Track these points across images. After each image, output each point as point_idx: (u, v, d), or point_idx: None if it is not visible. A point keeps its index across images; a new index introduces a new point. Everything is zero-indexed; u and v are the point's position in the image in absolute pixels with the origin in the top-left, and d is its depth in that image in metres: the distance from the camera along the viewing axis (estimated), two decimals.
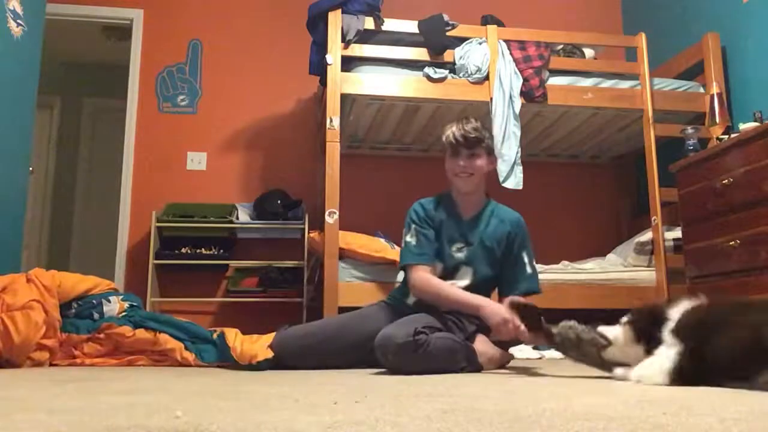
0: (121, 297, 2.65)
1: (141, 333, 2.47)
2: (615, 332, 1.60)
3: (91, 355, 2.46)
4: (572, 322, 1.71)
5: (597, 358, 1.64)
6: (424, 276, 2.15)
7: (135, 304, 2.67)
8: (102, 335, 2.47)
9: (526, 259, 2.25)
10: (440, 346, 1.95)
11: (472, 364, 2.02)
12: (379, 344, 1.92)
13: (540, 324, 1.83)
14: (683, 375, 1.40)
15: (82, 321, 2.52)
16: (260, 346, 2.27)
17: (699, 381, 1.39)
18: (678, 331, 1.45)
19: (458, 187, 2.28)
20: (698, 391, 1.30)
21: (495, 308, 1.99)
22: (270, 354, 2.20)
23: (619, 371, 1.57)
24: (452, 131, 2.24)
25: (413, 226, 2.22)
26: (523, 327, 1.89)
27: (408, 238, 2.22)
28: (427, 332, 1.94)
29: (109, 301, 2.58)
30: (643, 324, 1.55)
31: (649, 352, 1.51)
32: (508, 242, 2.25)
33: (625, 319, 1.62)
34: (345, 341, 2.20)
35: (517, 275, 2.24)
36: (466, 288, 2.18)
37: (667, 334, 1.46)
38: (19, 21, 3.05)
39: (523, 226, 2.30)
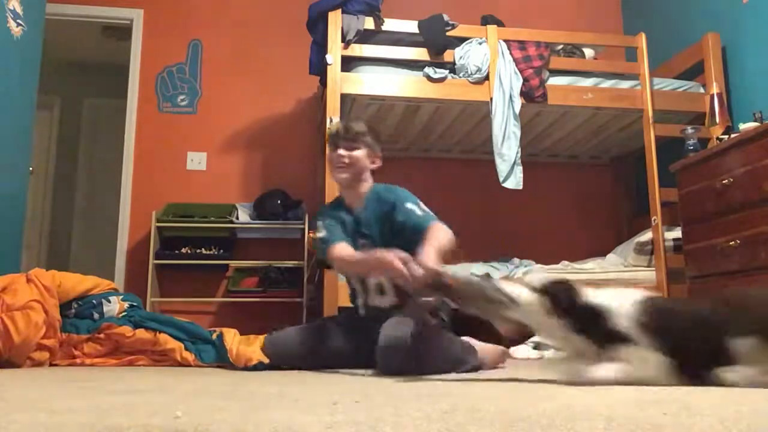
0: (121, 297, 2.65)
1: (141, 333, 2.47)
2: (523, 295, 1.50)
3: (91, 355, 2.46)
4: (475, 278, 1.60)
5: (497, 316, 1.55)
6: (338, 250, 2.15)
7: (135, 304, 2.67)
8: (102, 335, 2.47)
9: (409, 207, 2.17)
10: (437, 344, 1.97)
11: (470, 365, 2.02)
12: (380, 347, 1.91)
13: (440, 283, 1.72)
14: (675, 372, 1.38)
15: (82, 321, 2.52)
16: (256, 348, 2.29)
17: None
18: (647, 327, 1.40)
19: (337, 179, 2.31)
20: (698, 391, 1.29)
21: (386, 253, 1.92)
22: (264, 357, 2.22)
23: (594, 371, 1.45)
24: (335, 124, 2.30)
25: (319, 223, 2.27)
26: (417, 270, 1.80)
27: (319, 235, 2.25)
28: (423, 331, 1.95)
29: (109, 301, 2.58)
30: (564, 304, 1.46)
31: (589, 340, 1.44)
32: (389, 210, 2.21)
33: (536, 284, 1.52)
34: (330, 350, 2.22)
35: (413, 224, 2.15)
36: None
37: (631, 328, 1.40)
38: (19, 21, 3.05)
39: (393, 190, 2.27)
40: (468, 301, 1.60)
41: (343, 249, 2.15)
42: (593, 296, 1.47)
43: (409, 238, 2.09)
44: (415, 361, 1.88)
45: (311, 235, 3.55)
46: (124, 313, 2.56)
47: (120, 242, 4.01)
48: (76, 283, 2.59)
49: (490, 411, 0.97)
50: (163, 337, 2.47)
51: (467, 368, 2.00)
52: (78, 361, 2.44)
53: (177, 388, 1.42)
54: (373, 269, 2.06)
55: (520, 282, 1.55)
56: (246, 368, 2.22)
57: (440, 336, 2.02)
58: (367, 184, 2.31)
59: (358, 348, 2.12)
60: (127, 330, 2.46)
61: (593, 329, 1.44)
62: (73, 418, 0.90)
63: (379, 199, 2.26)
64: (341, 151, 2.25)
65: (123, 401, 1.12)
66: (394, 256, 1.87)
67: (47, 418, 0.91)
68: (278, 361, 2.22)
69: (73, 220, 5.55)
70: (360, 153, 2.26)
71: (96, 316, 2.52)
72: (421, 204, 2.20)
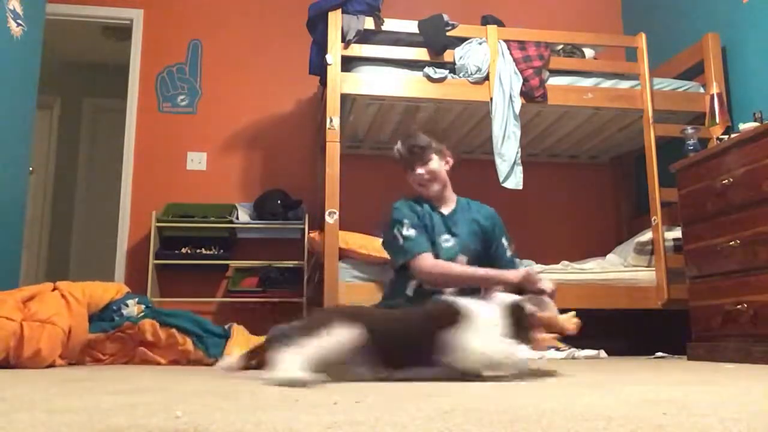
0: (136, 299, 2.73)
1: (164, 334, 2.57)
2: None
3: (114, 354, 2.54)
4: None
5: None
6: (431, 261, 2.21)
7: (149, 305, 2.74)
8: (123, 334, 2.56)
9: (506, 244, 2.38)
10: None
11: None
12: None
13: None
14: None
15: (102, 323, 2.61)
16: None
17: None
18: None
19: (425, 194, 2.38)
20: (698, 391, 1.30)
21: (512, 271, 2.16)
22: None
23: None
24: (398, 148, 2.37)
25: (405, 220, 2.27)
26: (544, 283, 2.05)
27: (405, 232, 2.24)
28: None
29: (127, 305, 2.68)
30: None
31: None
32: (487, 230, 2.37)
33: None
34: None
35: (501, 260, 2.34)
36: None
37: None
38: (19, 21, 3.05)
39: (497, 216, 2.44)
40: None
41: (439, 261, 2.22)
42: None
43: (483, 259, 2.29)
44: None
45: (311, 235, 3.55)
46: (142, 314, 2.65)
47: (120, 242, 4.01)
48: (102, 292, 2.68)
49: (490, 411, 0.97)
50: (182, 338, 2.56)
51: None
52: (106, 360, 2.53)
53: (177, 388, 1.42)
54: (490, 285, 2.14)
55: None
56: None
57: None
58: (450, 189, 2.42)
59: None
60: (148, 324, 2.55)
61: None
62: (73, 418, 0.90)
63: (470, 210, 2.40)
64: (419, 171, 2.33)
65: (123, 401, 1.12)
66: (528, 273, 2.09)
67: (47, 418, 0.91)
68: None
69: (73, 220, 5.55)
70: (435, 164, 2.34)
71: (116, 319, 2.62)
72: (512, 243, 2.41)
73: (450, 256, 2.25)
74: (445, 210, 2.37)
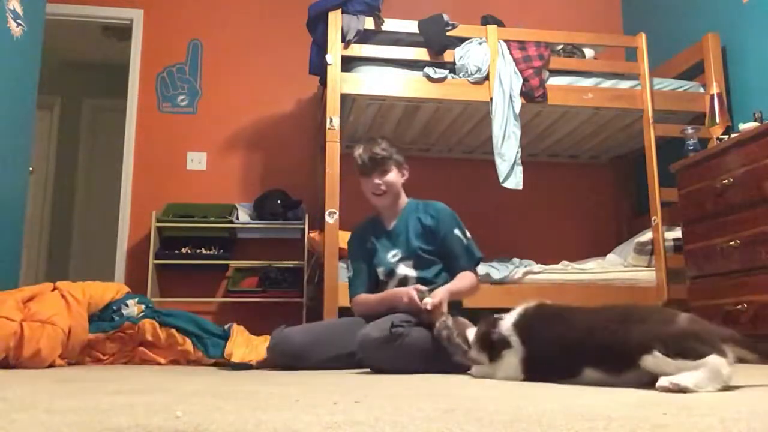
0: (136, 299, 2.73)
1: (163, 333, 2.57)
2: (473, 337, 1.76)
3: (114, 354, 2.55)
4: (450, 321, 1.88)
5: (465, 357, 1.80)
6: (359, 299, 2.40)
7: (149, 305, 2.73)
8: (123, 334, 2.56)
9: (459, 234, 2.36)
10: (418, 339, 2.00)
11: (455, 362, 2.02)
12: (359, 342, 2.01)
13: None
14: (530, 366, 1.55)
15: (102, 323, 2.61)
16: (250, 350, 2.36)
17: (542, 374, 1.52)
18: (517, 327, 1.60)
19: (376, 204, 2.46)
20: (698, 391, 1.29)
21: (399, 290, 2.22)
22: (240, 360, 2.33)
23: (475, 369, 1.75)
24: (359, 154, 2.41)
25: (350, 261, 2.47)
26: (426, 303, 2.06)
27: (348, 273, 2.47)
28: (405, 326, 1.96)
29: (127, 305, 2.68)
30: (485, 337, 1.69)
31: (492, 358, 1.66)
32: (432, 227, 2.38)
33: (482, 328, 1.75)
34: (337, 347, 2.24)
35: (455, 251, 2.35)
36: (418, 279, 2.32)
37: (508, 329, 1.61)
38: (19, 21, 3.05)
39: (442, 210, 2.42)
40: (442, 342, 1.86)
41: (361, 299, 2.37)
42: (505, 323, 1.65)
43: (440, 256, 2.34)
44: (393, 355, 1.95)
45: (311, 235, 3.56)
46: (142, 314, 2.65)
47: (120, 242, 4.01)
48: (102, 292, 2.67)
49: (490, 411, 0.97)
50: (182, 338, 2.57)
51: (446, 369, 1.97)
52: (106, 360, 2.53)
53: (177, 388, 1.42)
54: (391, 307, 2.20)
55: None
56: (231, 366, 2.30)
57: (420, 330, 2.04)
58: (403, 200, 2.47)
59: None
60: (150, 331, 2.56)
61: (491, 349, 1.66)
62: (73, 418, 0.90)
63: (417, 211, 2.42)
64: (377, 181, 2.38)
65: (123, 401, 1.12)
66: (406, 293, 2.11)
67: (47, 418, 0.91)
68: (282, 359, 2.23)
69: (73, 220, 5.55)
70: (392, 176, 2.40)
71: (116, 318, 2.61)
72: (463, 231, 2.37)
73: (392, 267, 2.37)
74: (390, 224, 2.45)
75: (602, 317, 1.46)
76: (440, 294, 2.09)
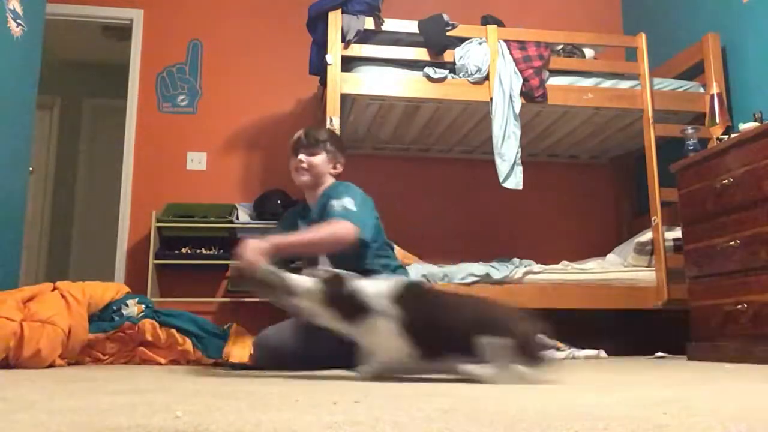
0: (136, 299, 2.74)
1: (164, 334, 2.59)
2: (308, 285, 1.73)
3: (114, 354, 2.55)
4: (273, 268, 1.82)
5: (288, 304, 1.79)
6: None
7: (149, 305, 2.74)
8: (123, 334, 2.56)
9: (334, 203, 2.23)
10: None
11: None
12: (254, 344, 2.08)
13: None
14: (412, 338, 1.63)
15: (102, 323, 2.61)
16: (239, 348, 2.37)
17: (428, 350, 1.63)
18: (398, 300, 1.66)
19: (297, 182, 2.46)
20: (698, 391, 1.30)
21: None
22: (238, 360, 2.31)
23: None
24: (298, 133, 2.45)
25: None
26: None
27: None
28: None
29: (127, 305, 2.68)
30: (334, 294, 1.70)
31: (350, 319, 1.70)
32: (325, 204, 2.31)
33: (322, 275, 1.74)
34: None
35: (329, 211, 2.23)
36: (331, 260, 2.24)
37: (381, 301, 1.66)
38: (19, 21, 3.05)
39: (337, 186, 2.36)
40: (265, 291, 1.83)
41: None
42: (359, 284, 1.71)
43: None
44: (290, 358, 2.01)
45: None
46: (142, 314, 2.66)
47: (120, 242, 4.01)
48: (102, 292, 2.68)
49: (490, 411, 0.97)
50: (181, 338, 2.58)
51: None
52: (106, 360, 2.54)
53: (177, 388, 1.42)
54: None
55: (309, 274, 1.77)
56: (230, 366, 2.31)
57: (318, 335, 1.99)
58: (324, 187, 2.43)
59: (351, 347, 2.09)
60: (149, 330, 2.57)
61: (349, 309, 1.68)
62: (73, 418, 0.90)
63: (324, 195, 2.37)
64: (301, 157, 2.42)
65: (123, 401, 1.12)
66: (241, 246, 1.95)
67: (47, 418, 0.91)
68: (265, 361, 2.21)
69: (73, 220, 5.55)
70: (319, 159, 2.42)
71: (116, 318, 2.62)
72: (355, 202, 2.22)
73: None
74: (311, 206, 2.44)
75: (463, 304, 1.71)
76: (254, 246, 1.93)
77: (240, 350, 2.40)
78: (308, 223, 2.34)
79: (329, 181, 2.45)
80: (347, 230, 2.12)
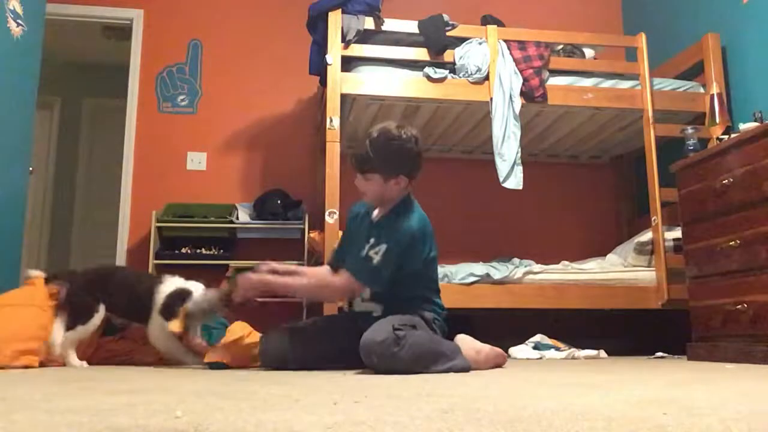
0: None
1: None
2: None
3: (118, 352, 2.56)
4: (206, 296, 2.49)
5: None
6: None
7: None
8: (124, 334, 2.59)
9: (369, 244, 2.12)
10: (420, 341, 1.99)
11: (457, 362, 2.03)
12: (362, 347, 1.96)
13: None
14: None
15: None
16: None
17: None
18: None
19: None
20: (698, 391, 1.30)
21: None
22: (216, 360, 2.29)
23: None
24: (352, 151, 2.34)
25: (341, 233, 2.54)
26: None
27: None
28: (404, 329, 1.97)
29: None
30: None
31: None
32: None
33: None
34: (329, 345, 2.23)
35: (352, 250, 2.20)
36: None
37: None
38: (19, 21, 3.05)
39: (395, 214, 2.19)
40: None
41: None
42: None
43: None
44: (397, 357, 1.92)
45: (311, 235, 3.56)
46: None
47: (120, 242, 4.01)
48: None
49: (490, 411, 0.97)
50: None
51: (450, 367, 1.99)
52: (115, 359, 2.55)
53: (177, 388, 1.42)
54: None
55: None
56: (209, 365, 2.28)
57: (420, 333, 2.03)
58: (391, 203, 2.22)
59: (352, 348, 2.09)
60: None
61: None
62: (73, 418, 0.90)
63: (392, 213, 2.21)
64: (357, 182, 2.22)
65: (123, 401, 1.12)
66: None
67: (47, 418, 0.91)
68: (270, 361, 2.23)
69: (73, 220, 5.55)
70: (371, 186, 2.18)
71: None
72: (387, 251, 2.08)
73: None
74: (375, 214, 2.27)
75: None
76: (251, 279, 2.38)
77: (216, 350, 2.38)
78: (370, 227, 2.21)
79: (397, 197, 2.21)
80: (344, 291, 2.26)
